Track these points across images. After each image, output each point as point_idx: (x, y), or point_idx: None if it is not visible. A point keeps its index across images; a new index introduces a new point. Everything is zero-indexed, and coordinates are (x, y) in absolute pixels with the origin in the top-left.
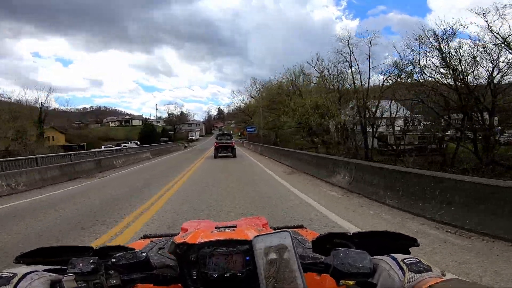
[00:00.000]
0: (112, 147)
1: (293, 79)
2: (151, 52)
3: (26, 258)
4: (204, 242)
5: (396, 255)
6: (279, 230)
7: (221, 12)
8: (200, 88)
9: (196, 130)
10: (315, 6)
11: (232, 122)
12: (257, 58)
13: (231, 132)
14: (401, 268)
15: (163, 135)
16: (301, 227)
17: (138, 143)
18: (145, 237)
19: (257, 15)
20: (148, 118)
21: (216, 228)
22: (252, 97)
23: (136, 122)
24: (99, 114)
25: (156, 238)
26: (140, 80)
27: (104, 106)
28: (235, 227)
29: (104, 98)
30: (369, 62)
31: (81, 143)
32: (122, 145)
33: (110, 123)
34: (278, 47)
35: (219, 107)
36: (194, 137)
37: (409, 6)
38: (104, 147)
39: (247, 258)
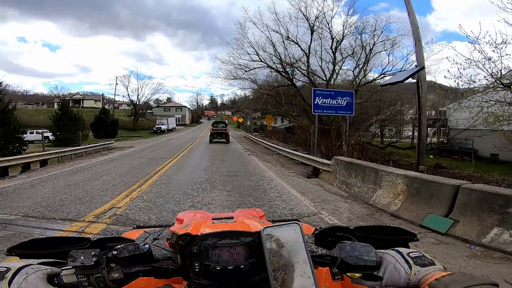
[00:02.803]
0: None
1: None
2: (143, 39)
3: (19, 250)
4: (208, 233)
5: (401, 249)
6: (289, 222)
7: (216, 0)
8: (192, 78)
9: (176, 116)
10: None
11: (225, 111)
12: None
13: (226, 121)
14: (407, 262)
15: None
16: (297, 221)
17: None
18: (138, 227)
19: (253, 4)
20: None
21: (213, 219)
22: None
23: (90, 104)
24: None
25: (150, 229)
26: (130, 68)
27: (91, 92)
28: (233, 218)
29: (93, 85)
30: None
31: None
32: None
33: (55, 104)
34: (274, 37)
35: (211, 96)
36: (164, 127)
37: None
38: None
39: (250, 250)
